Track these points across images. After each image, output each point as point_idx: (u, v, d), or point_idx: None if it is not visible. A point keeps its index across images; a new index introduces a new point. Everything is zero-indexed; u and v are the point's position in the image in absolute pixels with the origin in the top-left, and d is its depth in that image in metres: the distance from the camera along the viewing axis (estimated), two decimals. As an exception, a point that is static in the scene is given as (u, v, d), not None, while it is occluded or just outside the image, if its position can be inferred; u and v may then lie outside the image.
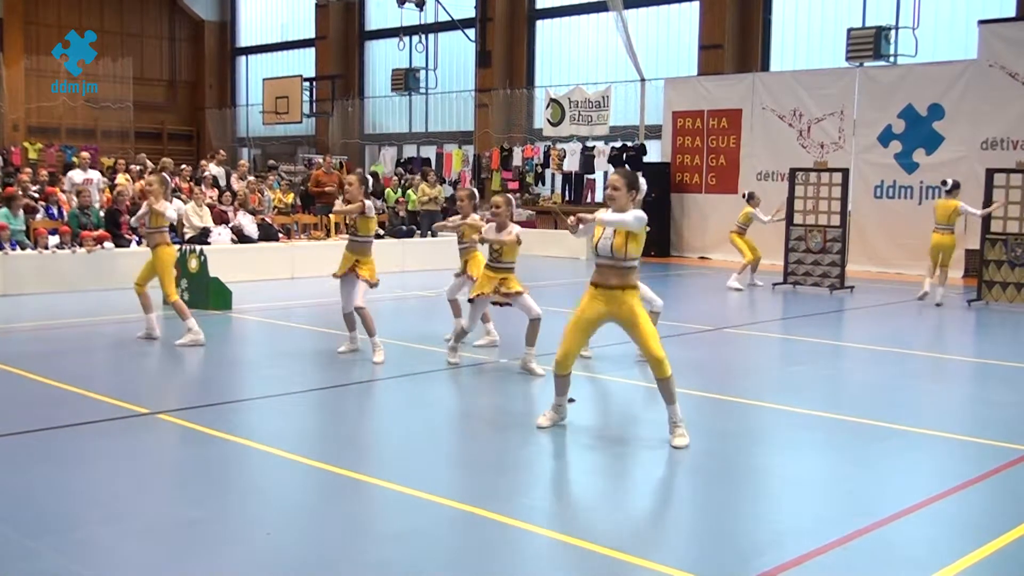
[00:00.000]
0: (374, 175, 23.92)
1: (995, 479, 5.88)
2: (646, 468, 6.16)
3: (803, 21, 21.65)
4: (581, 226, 6.34)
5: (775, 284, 15.79)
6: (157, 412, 7.11)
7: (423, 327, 11.18)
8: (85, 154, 18.93)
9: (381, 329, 9.27)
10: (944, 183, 14.29)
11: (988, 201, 13.87)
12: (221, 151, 23.09)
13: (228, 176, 19.74)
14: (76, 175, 17.38)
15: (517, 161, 24.53)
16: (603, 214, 6.31)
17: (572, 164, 23.45)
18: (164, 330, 10.23)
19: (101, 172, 19.08)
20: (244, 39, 34.76)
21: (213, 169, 19.78)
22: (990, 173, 14.11)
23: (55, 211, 15.24)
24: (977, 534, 4.94)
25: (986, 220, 13.84)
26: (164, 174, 10.64)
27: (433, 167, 25.63)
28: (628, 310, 6.40)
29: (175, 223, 12.24)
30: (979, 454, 6.45)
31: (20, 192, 14.92)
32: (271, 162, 23.42)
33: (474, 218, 9.37)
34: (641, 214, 6.29)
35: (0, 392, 7.91)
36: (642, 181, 6.55)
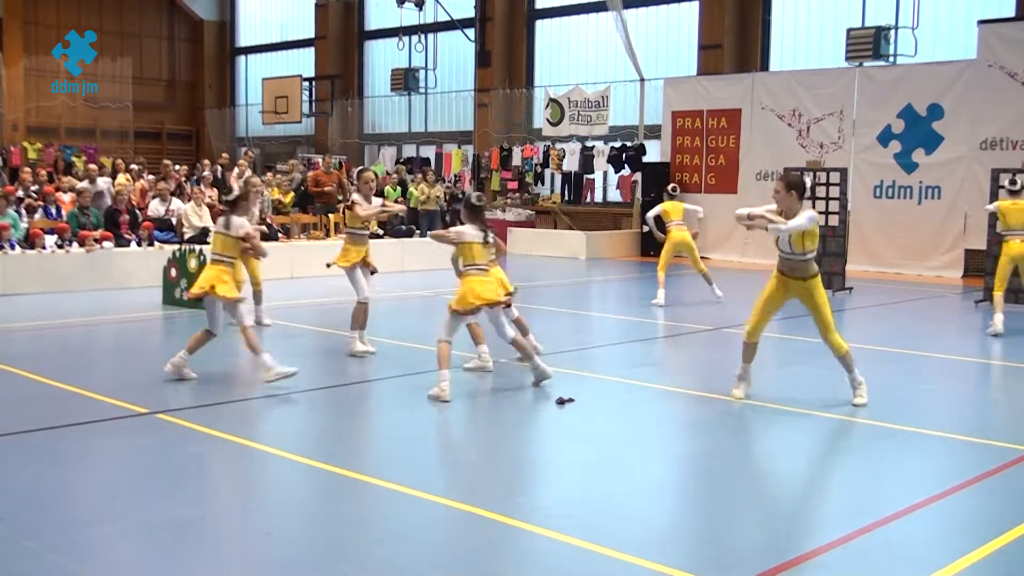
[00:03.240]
0: (373, 175, 23.90)
1: (995, 479, 5.88)
2: (646, 468, 6.15)
3: (802, 21, 21.65)
4: (748, 222, 7.42)
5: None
6: (156, 412, 7.11)
7: (423, 327, 11.16)
8: (93, 166, 18.88)
9: (381, 329, 9.27)
10: (1012, 182, 11.83)
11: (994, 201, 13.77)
12: (224, 154, 23.10)
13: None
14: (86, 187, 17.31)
15: (516, 161, 24.52)
16: (778, 223, 7.24)
17: (572, 164, 23.45)
18: (166, 329, 10.23)
19: (112, 177, 18.98)
20: (243, 39, 34.75)
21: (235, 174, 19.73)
22: (996, 173, 14.07)
23: (53, 211, 15.23)
24: (977, 534, 4.95)
25: (992, 219, 13.73)
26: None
27: (432, 167, 25.63)
28: (811, 299, 7.52)
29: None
30: (979, 454, 6.45)
31: (6, 190, 14.86)
32: (279, 164, 23.36)
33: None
34: (812, 214, 7.31)
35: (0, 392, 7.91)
36: (806, 180, 7.10)
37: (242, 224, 8.14)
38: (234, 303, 7.96)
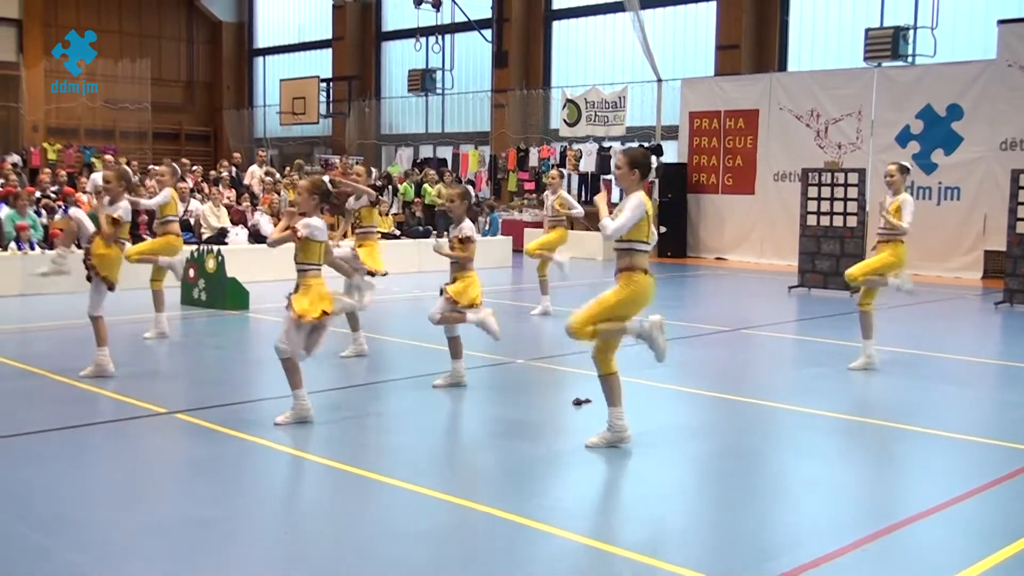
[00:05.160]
0: (388, 176, 23.96)
1: (1013, 482, 5.84)
2: (662, 469, 6.14)
3: (820, 21, 21.55)
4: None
5: (790, 287, 15.67)
6: (174, 412, 7.14)
7: (438, 328, 11.17)
8: (108, 156, 19.02)
9: (398, 329, 9.28)
10: None
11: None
12: (237, 154, 23.17)
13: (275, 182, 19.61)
14: (99, 177, 17.43)
15: (533, 162, 24.52)
16: (604, 222, 6.05)
17: (588, 165, 23.41)
18: (184, 329, 10.28)
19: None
20: (261, 40, 34.86)
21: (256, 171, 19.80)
22: (1016, 173, 13.97)
23: (74, 211, 15.31)
24: (994, 538, 4.91)
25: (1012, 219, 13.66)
26: (175, 165, 10.60)
27: (450, 168, 25.66)
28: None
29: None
30: (997, 457, 6.40)
31: (26, 191, 14.95)
32: (298, 162, 23.41)
33: (469, 227, 7.93)
34: (637, 201, 6.03)
35: (18, 391, 7.96)
36: (653, 160, 6.30)
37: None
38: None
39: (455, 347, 8.03)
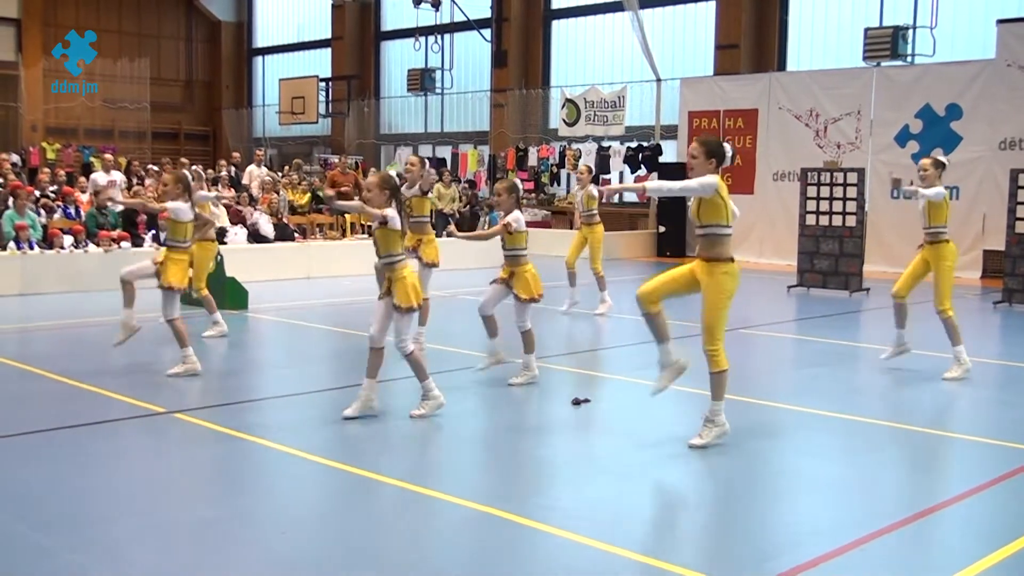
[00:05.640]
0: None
1: (1012, 482, 5.84)
2: (662, 469, 6.14)
3: (820, 21, 21.55)
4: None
5: (790, 287, 15.67)
6: (174, 411, 7.14)
7: (439, 327, 11.18)
8: (108, 156, 19.02)
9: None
10: None
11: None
12: (236, 153, 23.16)
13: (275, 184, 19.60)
14: (100, 177, 17.46)
15: (532, 161, 24.51)
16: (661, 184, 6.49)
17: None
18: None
19: (123, 172, 19.17)
20: (260, 39, 34.85)
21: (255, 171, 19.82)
22: (1015, 173, 13.97)
23: (72, 211, 15.33)
24: (994, 537, 4.91)
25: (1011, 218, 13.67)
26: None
27: (449, 167, 25.64)
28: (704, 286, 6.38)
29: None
30: (996, 456, 6.40)
31: (25, 191, 14.95)
32: (296, 161, 23.40)
33: (517, 218, 8.06)
34: (712, 180, 6.27)
35: (18, 391, 7.96)
36: (727, 149, 6.47)
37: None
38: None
39: (528, 340, 8.11)
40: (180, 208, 8.43)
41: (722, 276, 6.30)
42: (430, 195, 9.91)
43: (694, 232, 6.60)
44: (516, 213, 8.07)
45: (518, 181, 8.69)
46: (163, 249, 8.65)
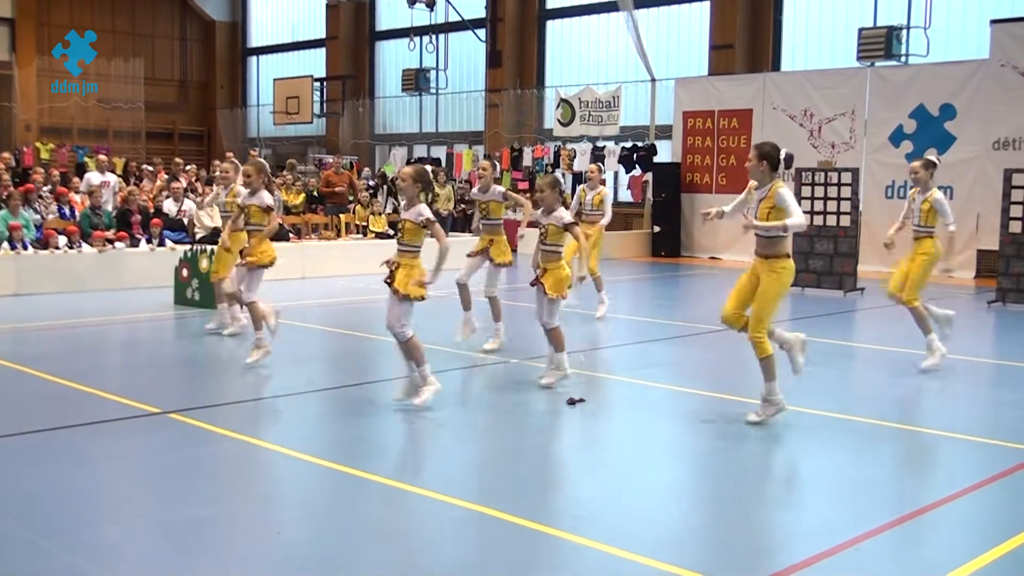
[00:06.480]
0: (383, 176, 23.94)
1: (1006, 480, 5.86)
2: (658, 469, 6.15)
3: (814, 21, 21.59)
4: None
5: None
6: (168, 412, 7.13)
7: (433, 327, 11.18)
8: (102, 156, 18.99)
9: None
10: None
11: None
12: (229, 153, 23.11)
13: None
14: (93, 177, 17.42)
15: (527, 161, 24.51)
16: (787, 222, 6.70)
17: (583, 164, 23.39)
18: (178, 329, 10.26)
19: (115, 173, 19.14)
20: (255, 39, 34.82)
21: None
22: (1008, 173, 14.00)
23: (67, 211, 15.30)
24: (989, 536, 4.93)
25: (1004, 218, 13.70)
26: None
27: (443, 167, 25.63)
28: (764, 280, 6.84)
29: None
30: (991, 455, 6.42)
31: (19, 191, 14.91)
32: (290, 161, 23.36)
33: (562, 213, 8.07)
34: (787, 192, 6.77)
35: (12, 391, 7.95)
36: (782, 152, 6.80)
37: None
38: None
39: (556, 338, 8.01)
40: (266, 196, 9.03)
41: (782, 270, 6.81)
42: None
43: (753, 236, 7.00)
44: (562, 208, 8.07)
45: (559, 174, 8.68)
46: (242, 234, 9.24)
